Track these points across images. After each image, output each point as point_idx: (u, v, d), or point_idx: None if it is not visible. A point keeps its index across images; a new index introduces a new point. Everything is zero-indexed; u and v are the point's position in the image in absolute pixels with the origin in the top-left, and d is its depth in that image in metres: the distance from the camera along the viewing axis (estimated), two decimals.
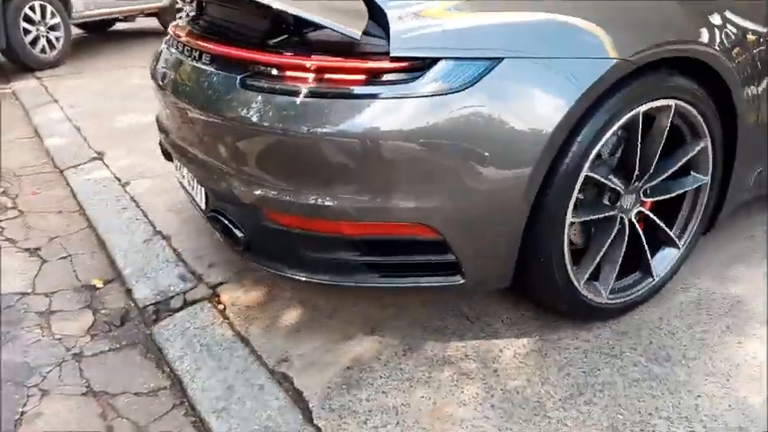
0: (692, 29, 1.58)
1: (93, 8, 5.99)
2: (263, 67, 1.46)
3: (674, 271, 1.85)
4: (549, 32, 1.40)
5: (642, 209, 1.71)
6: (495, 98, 1.33)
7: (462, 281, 1.51)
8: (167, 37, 1.97)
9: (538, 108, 1.35)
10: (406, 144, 1.33)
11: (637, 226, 1.70)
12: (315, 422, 1.46)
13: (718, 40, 1.60)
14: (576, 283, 1.62)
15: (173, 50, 1.85)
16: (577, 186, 1.48)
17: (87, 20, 6.38)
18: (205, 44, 1.66)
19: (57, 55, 5.53)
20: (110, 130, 3.70)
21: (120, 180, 2.92)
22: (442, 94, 1.31)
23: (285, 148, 1.41)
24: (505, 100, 1.34)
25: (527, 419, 1.44)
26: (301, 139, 1.37)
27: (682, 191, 1.76)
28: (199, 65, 1.66)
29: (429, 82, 1.31)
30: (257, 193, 1.49)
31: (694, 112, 1.63)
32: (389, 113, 1.32)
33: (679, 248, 1.82)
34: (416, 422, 1.44)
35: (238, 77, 1.48)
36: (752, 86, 1.71)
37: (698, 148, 1.69)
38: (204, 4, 1.93)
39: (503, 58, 1.33)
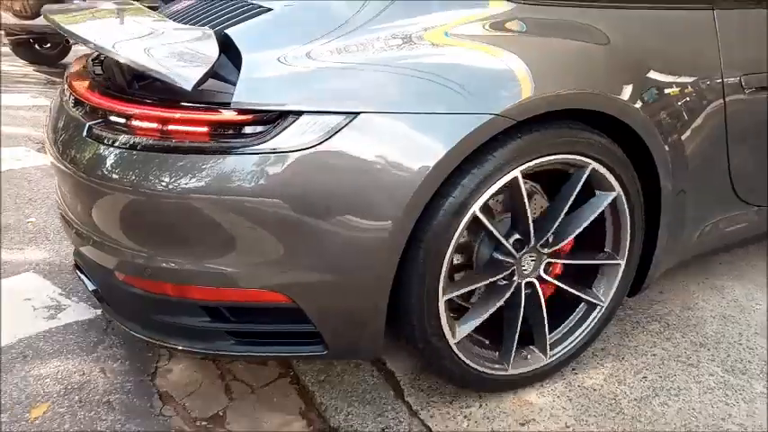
0: (593, 79, 1.43)
1: None
2: (110, 115, 1.34)
3: (623, 291, 1.68)
4: (413, 86, 1.26)
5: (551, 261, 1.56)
6: (349, 156, 1.21)
7: (325, 351, 1.39)
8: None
9: (396, 168, 1.22)
10: (249, 205, 1.21)
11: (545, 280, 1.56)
12: (405, 399, 1.62)
13: (628, 90, 1.46)
14: (466, 361, 1.49)
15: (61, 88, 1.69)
16: (449, 252, 1.35)
17: None
18: (74, 84, 1.54)
19: None
20: None
21: None
22: (289, 151, 1.19)
23: (123, 205, 1.30)
24: (359, 158, 1.21)
25: (602, 414, 1.55)
26: (140, 197, 1.26)
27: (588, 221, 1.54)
28: (67, 108, 1.53)
29: (276, 137, 1.20)
30: (101, 251, 1.40)
31: (598, 167, 1.46)
32: (233, 172, 1.20)
33: (543, 360, 1.62)
34: (498, 406, 1.58)
35: (87, 125, 1.37)
36: (672, 140, 1.55)
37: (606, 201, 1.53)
38: None
39: (359, 113, 1.21)
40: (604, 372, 1.70)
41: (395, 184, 1.22)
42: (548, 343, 1.59)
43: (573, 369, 1.71)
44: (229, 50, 1.28)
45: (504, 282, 1.51)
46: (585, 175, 1.45)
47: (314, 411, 1.58)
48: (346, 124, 1.21)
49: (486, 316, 1.50)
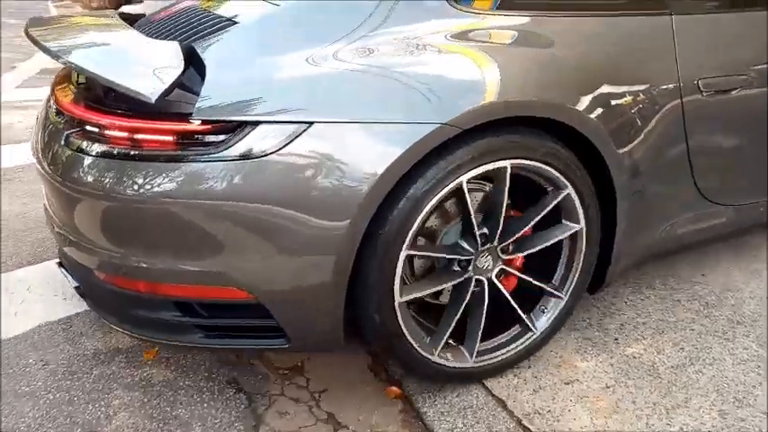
0: (543, 89, 1.50)
1: None
2: (86, 125, 1.42)
3: (559, 322, 1.77)
4: (362, 96, 1.36)
5: (507, 267, 1.64)
6: (304, 162, 1.30)
7: (288, 344, 1.49)
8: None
9: (349, 172, 1.31)
10: (213, 208, 1.31)
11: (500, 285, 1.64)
12: None
13: (579, 97, 1.52)
14: (420, 351, 1.57)
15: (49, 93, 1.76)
16: (402, 258, 1.43)
17: None
18: (57, 92, 1.63)
19: None
20: None
21: None
22: (249, 158, 1.29)
23: (97, 209, 1.40)
24: (314, 164, 1.30)
25: (641, 377, 1.72)
26: (112, 202, 1.36)
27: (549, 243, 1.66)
28: (50, 115, 1.62)
29: (237, 145, 1.30)
30: (81, 251, 1.50)
31: (549, 169, 1.53)
32: (197, 177, 1.30)
33: (562, 299, 1.73)
34: (546, 368, 1.76)
35: (65, 133, 1.45)
36: (626, 144, 1.60)
37: (558, 199, 1.59)
38: None
39: (312, 122, 1.30)
40: (644, 343, 1.86)
41: (348, 188, 1.31)
42: (553, 290, 1.70)
43: (615, 339, 1.88)
44: (196, 62, 1.38)
45: (477, 288, 1.60)
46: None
47: (381, 366, 1.80)
48: (300, 133, 1.30)
49: (483, 323, 1.61)
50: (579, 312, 2.01)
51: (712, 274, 2.22)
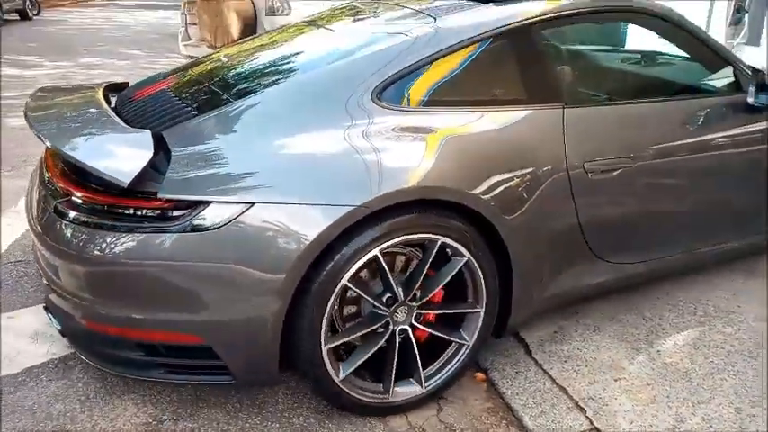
0: (442, 175, 1.78)
1: None
2: (68, 195, 1.69)
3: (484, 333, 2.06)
4: (298, 181, 1.67)
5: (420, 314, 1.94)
6: (246, 236, 1.59)
7: (233, 380, 1.77)
8: None
9: (281, 245, 1.60)
10: (170, 269, 1.60)
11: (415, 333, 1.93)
12: (533, 356, 2.35)
13: (474, 182, 1.82)
14: (351, 393, 1.88)
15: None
16: (325, 320, 1.72)
17: None
18: (49, 161, 1.89)
19: None
20: None
21: None
22: (201, 230, 1.58)
23: (75, 267, 1.67)
24: (254, 237, 1.60)
25: (675, 379, 2.20)
26: (86, 262, 1.63)
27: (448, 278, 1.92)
28: (43, 180, 1.87)
29: (192, 220, 1.58)
30: (62, 298, 1.78)
31: (451, 242, 1.84)
32: (160, 244, 1.59)
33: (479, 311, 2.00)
34: (599, 368, 2.27)
35: (52, 198, 1.74)
36: (517, 215, 1.91)
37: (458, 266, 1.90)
38: None
39: (254, 203, 1.59)
40: (681, 354, 2.33)
41: (279, 258, 1.60)
42: (470, 307, 2.01)
43: (658, 351, 2.36)
44: (164, 147, 1.68)
45: (403, 335, 1.91)
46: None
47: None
48: (244, 211, 1.59)
49: (418, 358, 1.95)
50: (629, 328, 2.50)
51: (746, 305, 2.66)
